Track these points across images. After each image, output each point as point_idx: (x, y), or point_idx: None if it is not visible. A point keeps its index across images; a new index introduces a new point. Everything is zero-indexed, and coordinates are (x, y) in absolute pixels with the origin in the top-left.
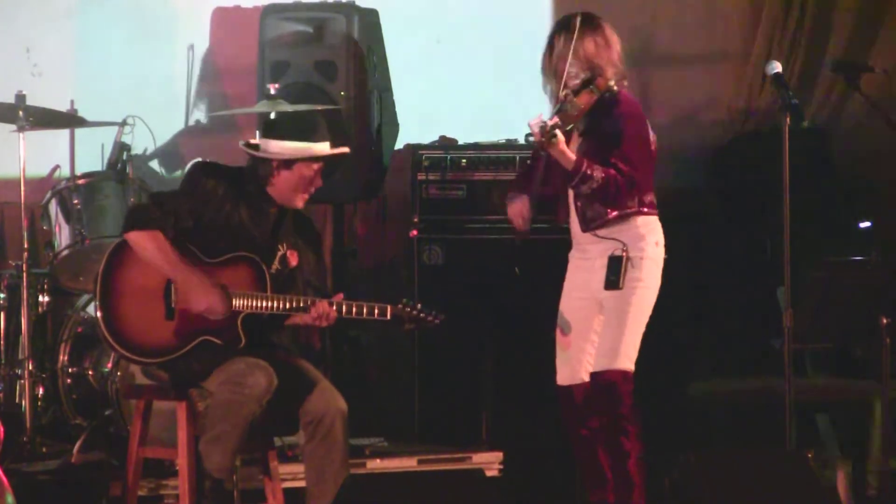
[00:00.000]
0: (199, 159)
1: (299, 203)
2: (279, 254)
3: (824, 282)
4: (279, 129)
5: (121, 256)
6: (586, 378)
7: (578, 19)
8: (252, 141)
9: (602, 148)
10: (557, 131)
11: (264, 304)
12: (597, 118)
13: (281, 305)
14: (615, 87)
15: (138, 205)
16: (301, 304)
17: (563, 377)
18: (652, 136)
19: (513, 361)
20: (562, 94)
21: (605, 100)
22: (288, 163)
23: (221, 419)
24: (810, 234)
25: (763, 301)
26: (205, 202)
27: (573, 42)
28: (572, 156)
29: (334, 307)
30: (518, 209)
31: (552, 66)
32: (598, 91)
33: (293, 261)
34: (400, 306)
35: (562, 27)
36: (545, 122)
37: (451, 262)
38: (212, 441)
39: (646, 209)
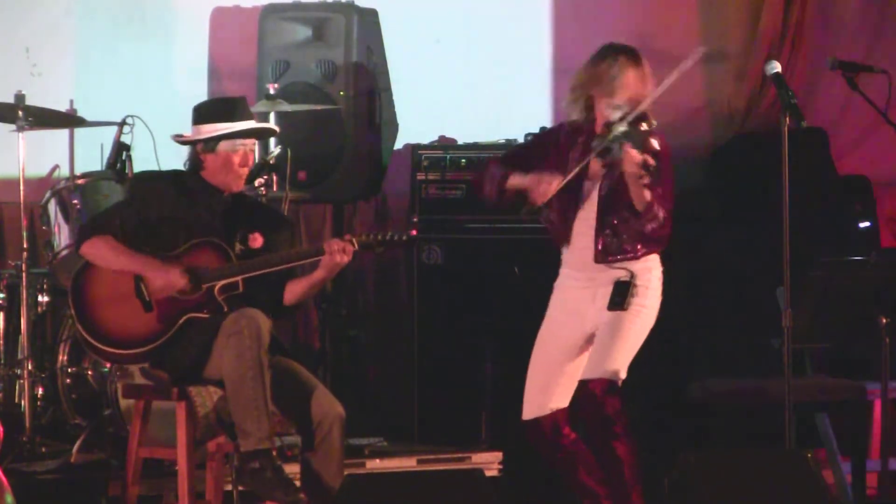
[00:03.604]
0: (137, 171)
1: (235, 185)
2: (238, 236)
3: (823, 282)
4: (200, 114)
5: (84, 277)
6: (554, 407)
7: (635, 52)
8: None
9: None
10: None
11: (231, 271)
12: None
13: (246, 268)
14: (654, 122)
15: (82, 224)
16: (278, 260)
17: (530, 410)
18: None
19: (513, 361)
20: (620, 126)
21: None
22: (209, 145)
23: (240, 379)
24: (810, 234)
25: (763, 301)
26: (147, 204)
27: (642, 69)
28: (649, 195)
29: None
30: (547, 182)
31: (611, 92)
32: (651, 126)
33: (256, 243)
34: (363, 236)
35: (617, 53)
36: (644, 160)
37: (451, 261)
38: (241, 418)
39: (659, 248)
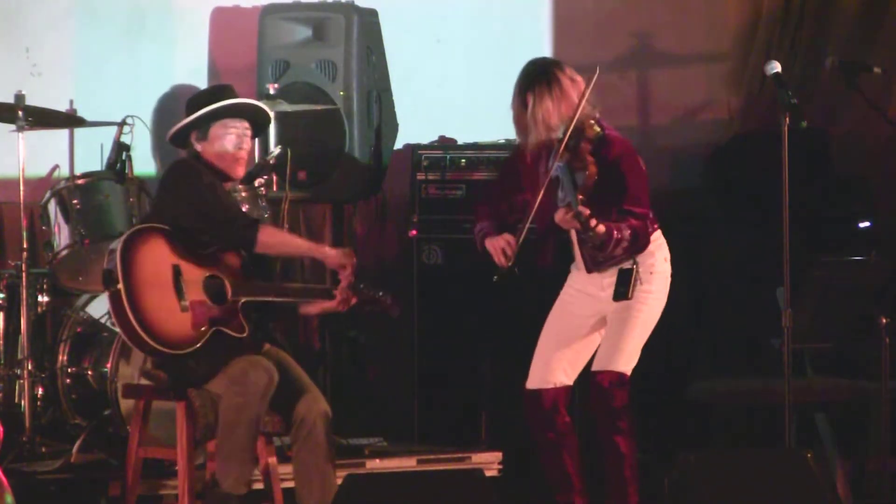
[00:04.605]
0: (182, 157)
1: (233, 170)
2: None
3: (823, 281)
4: (189, 106)
5: (131, 250)
6: (557, 383)
7: (549, 65)
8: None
9: (610, 197)
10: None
11: (259, 291)
12: (597, 167)
13: (270, 291)
14: (598, 129)
15: (233, 217)
16: (293, 292)
17: (533, 381)
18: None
19: (512, 361)
20: (562, 157)
21: (595, 144)
22: (202, 132)
23: (232, 428)
24: (810, 234)
25: (763, 301)
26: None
27: (554, 89)
28: (602, 227)
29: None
30: (500, 244)
31: (535, 119)
32: (592, 140)
33: None
34: (364, 287)
35: (533, 78)
36: (577, 210)
37: (450, 261)
38: (227, 458)
39: (650, 229)
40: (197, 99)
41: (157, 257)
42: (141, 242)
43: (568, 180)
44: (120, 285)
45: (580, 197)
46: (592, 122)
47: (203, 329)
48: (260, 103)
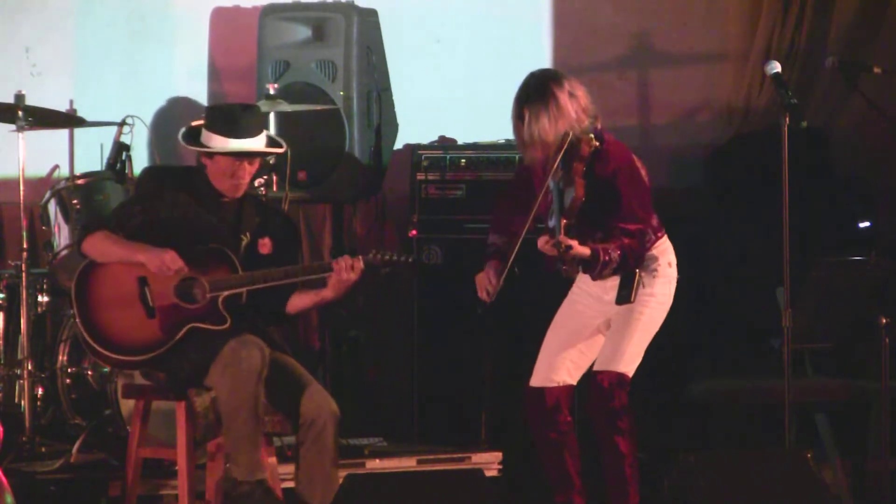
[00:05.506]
0: (148, 165)
1: (231, 193)
2: (243, 242)
3: (823, 282)
4: (208, 120)
5: (88, 276)
6: (561, 381)
7: (547, 81)
8: (194, 124)
9: (604, 212)
10: (570, 242)
11: (237, 282)
12: (590, 181)
13: (252, 280)
14: (596, 143)
15: (82, 223)
16: (284, 274)
17: (537, 379)
18: (642, 168)
19: (513, 361)
20: (555, 175)
21: (592, 159)
22: (208, 153)
23: (234, 415)
24: (810, 234)
25: (763, 301)
26: (155, 203)
27: (551, 107)
28: (587, 251)
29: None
30: (484, 282)
31: (531, 137)
32: (585, 158)
33: (264, 249)
34: (370, 255)
35: (530, 94)
36: (557, 238)
37: (450, 261)
38: (234, 447)
39: (653, 237)
40: (217, 117)
41: (120, 274)
42: (98, 264)
43: (556, 201)
44: (73, 309)
45: (564, 222)
46: (591, 136)
47: (175, 329)
48: (275, 150)
